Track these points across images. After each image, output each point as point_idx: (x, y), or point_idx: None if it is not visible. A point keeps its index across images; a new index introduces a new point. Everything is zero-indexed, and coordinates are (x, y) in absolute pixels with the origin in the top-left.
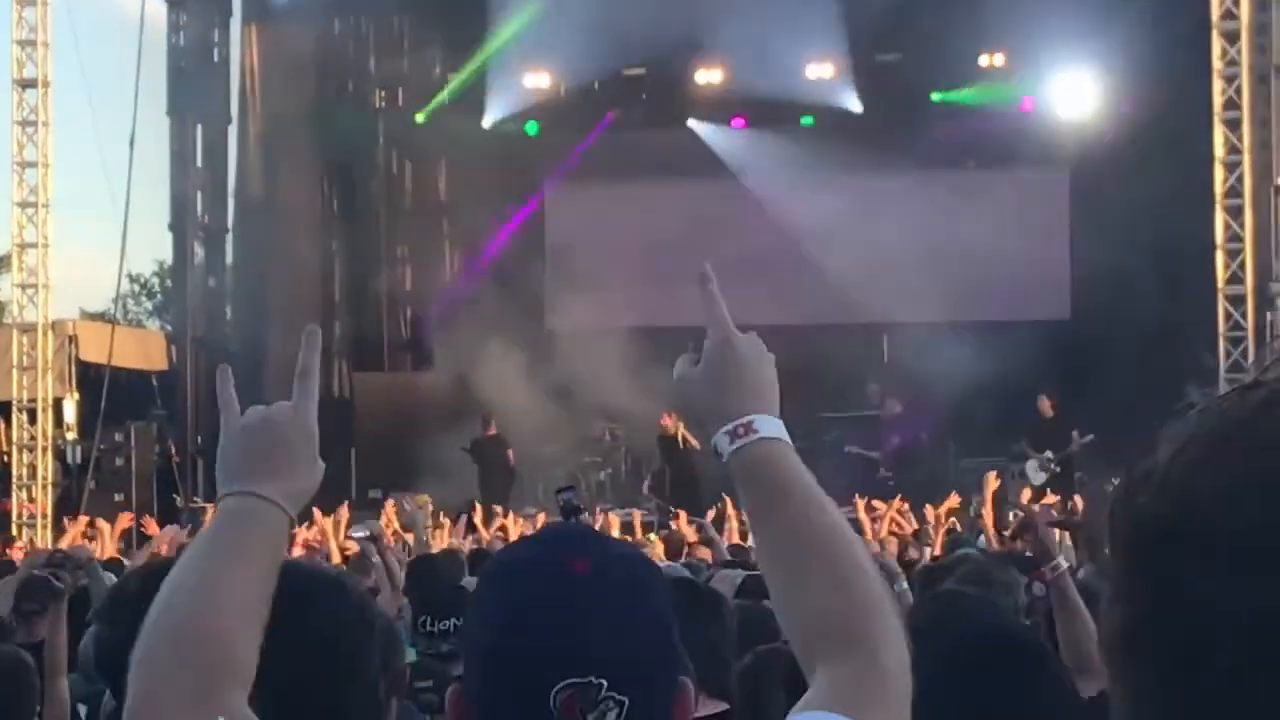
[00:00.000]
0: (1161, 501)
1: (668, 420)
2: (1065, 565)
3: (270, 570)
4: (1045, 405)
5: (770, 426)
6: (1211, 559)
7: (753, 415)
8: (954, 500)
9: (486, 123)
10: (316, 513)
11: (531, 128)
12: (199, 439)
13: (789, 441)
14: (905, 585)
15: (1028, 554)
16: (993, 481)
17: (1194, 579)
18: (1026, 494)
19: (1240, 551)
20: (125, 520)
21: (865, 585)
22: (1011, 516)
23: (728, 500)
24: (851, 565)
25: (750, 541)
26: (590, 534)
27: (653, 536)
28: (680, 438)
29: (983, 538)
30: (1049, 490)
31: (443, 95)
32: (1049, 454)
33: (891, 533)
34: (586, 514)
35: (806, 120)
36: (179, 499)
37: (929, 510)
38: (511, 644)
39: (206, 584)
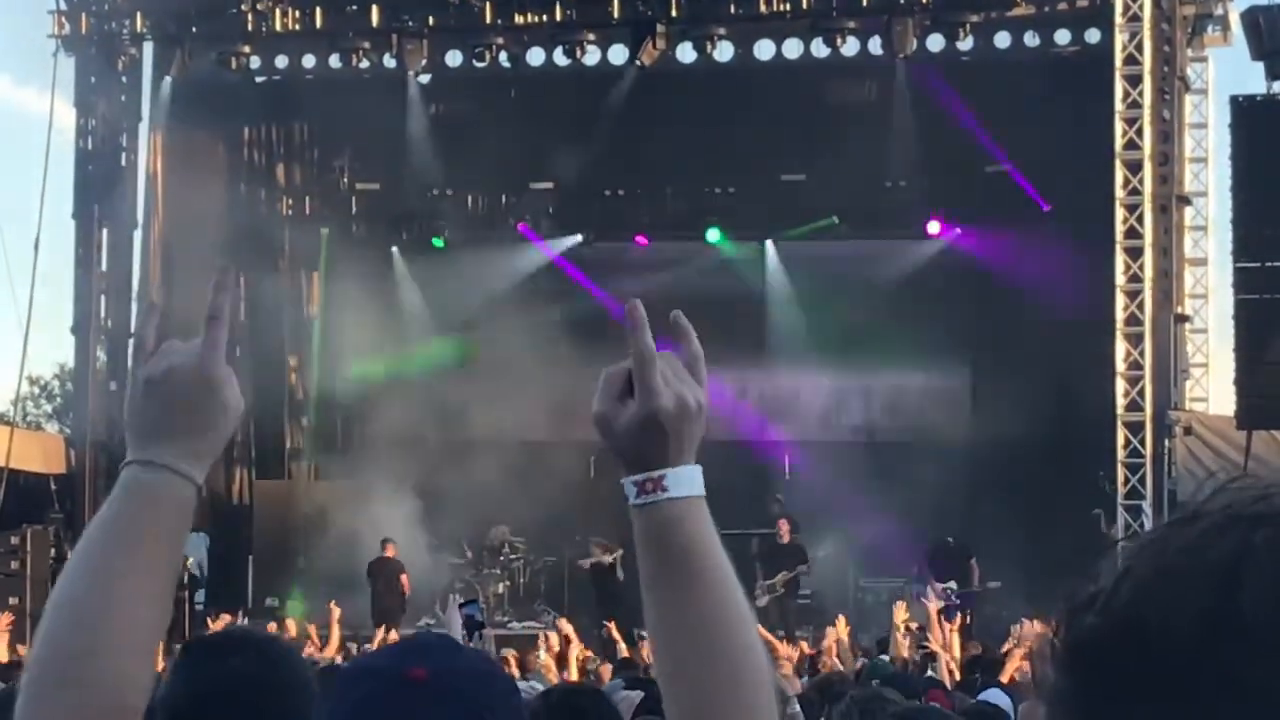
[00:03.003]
0: (1106, 623)
1: (600, 550)
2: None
3: (172, 551)
4: (945, 538)
5: (682, 483)
6: (1150, 683)
7: (665, 470)
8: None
9: (393, 237)
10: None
11: (438, 241)
12: None
13: (701, 494)
14: (797, 708)
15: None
16: (901, 612)
17: (1130, 701)
18: (934, 608)
19: (1175, 679)
20: (5, 621)
21: (750, 689)
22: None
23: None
24: (738, 662)
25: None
26: (444, 645)
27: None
28: (613, 566)
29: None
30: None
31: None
32: (953, 584)
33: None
34: (488, 628)
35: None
36: None
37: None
38: None
39: (99, 596)
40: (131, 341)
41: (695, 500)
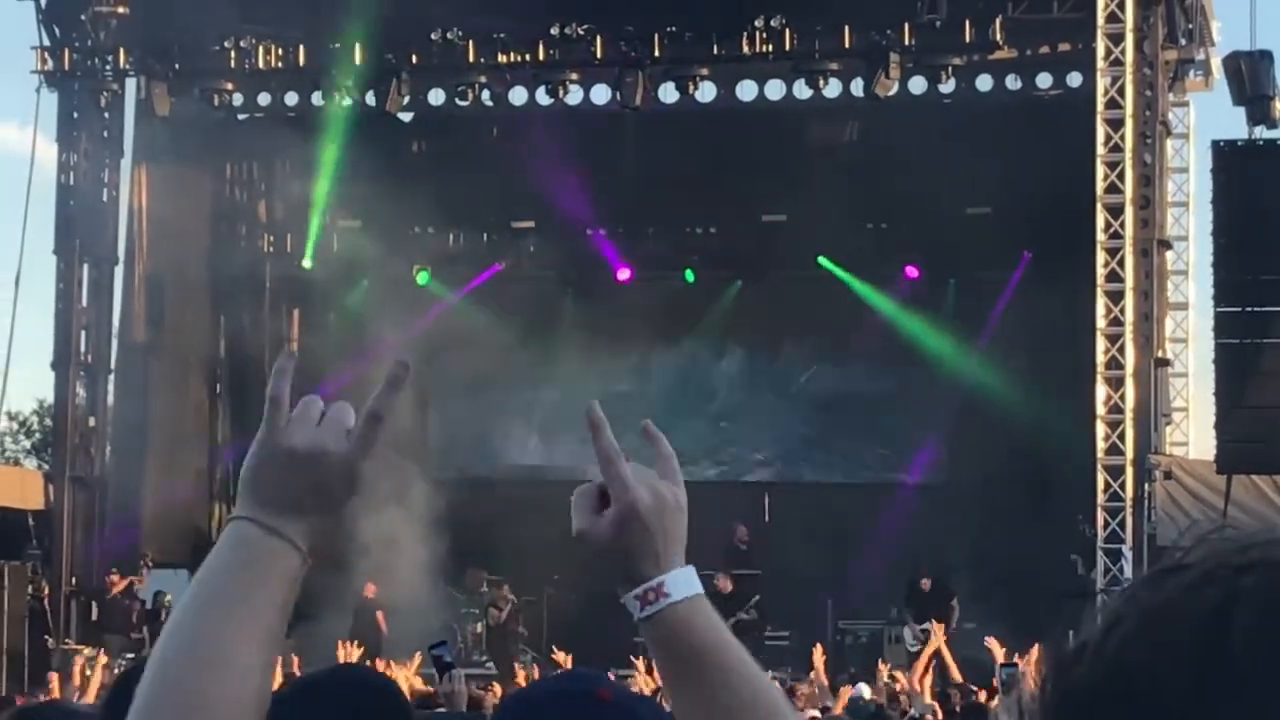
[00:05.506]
0: (1097, 672)
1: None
2: None
3: (283, 624)
4: (924, 582)
5: (680, 585)
6: None
7: (662, 576)
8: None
9: (375, 271)
10: None
11: (423, 277)
12: (74, 580)
13: (700, 592)
14: None
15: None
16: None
17: None
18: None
19: None
20: None
21: None
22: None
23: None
24: None
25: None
26: (601, 675)
27: None
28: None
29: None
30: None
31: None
32: (928, 626)
33: None
34: (459, 669)
35: (688, 275)
36: (51, 640)
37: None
38: None
39: (213, 643)
40: (267, 398)
41: (697, 598)
